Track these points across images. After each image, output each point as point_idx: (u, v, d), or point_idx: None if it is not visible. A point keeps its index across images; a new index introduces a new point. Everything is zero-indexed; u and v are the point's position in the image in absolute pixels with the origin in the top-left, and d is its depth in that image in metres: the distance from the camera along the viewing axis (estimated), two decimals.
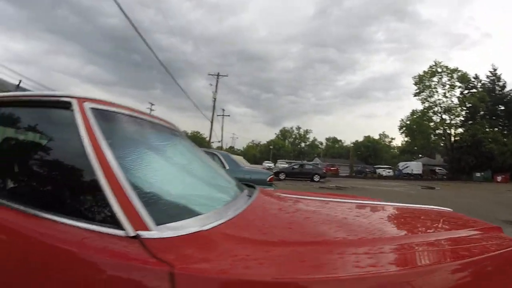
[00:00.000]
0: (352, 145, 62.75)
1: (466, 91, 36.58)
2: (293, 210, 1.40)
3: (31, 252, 0.78)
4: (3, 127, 1.24)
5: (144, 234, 0.74)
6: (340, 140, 79.31)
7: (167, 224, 0.82)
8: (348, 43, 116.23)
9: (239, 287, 0.66)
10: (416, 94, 38.66)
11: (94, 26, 77.77)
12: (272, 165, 37.52)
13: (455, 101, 37.02)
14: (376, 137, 65.48)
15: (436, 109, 37.70)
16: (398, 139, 62.66)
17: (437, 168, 38.01)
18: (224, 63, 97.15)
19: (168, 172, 1.28)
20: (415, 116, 39.47)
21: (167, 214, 0.90)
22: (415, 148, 45.12)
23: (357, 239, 0.97)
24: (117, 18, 69.81)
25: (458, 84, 36.79)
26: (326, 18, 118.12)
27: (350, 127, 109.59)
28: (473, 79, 36.81)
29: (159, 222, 0.80)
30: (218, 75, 29.55)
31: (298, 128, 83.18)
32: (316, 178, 21.65)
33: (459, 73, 36.49)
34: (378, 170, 38.19)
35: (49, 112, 1.13)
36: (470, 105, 34.84)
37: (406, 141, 45.29)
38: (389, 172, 36.76)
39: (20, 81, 17.82)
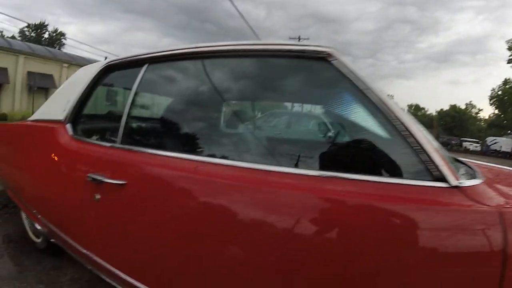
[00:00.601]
0: (436, 113, 58.00)
1: None
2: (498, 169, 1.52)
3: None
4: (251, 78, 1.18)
5: (462, 183, 0.78)
6: (423, 108, 73.57)
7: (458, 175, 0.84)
8: (430, 0, 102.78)
9: None
10: (510, 61, 34.38)
11: (168, 1, 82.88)
12: None
13: None
14: (462, 106, 58.45)
15: None
16: (486, 111, 56.02)
17: None
18: (298, 27, 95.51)
19: None
20: (507, 86, 35.56)
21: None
22: (505, 122, 40.77)
23: None
24: None
25: None
26: None
27: (433, 93, 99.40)
28: None
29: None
30: (299, 38, 27.10)
31: None
32: None
33: None
34: (464, 144, 34.49)
35: (304, 64, 1.04)
36: None
37: (495, 114, 41.16)
38: (476, 147, 33.15)
39: (106, 58, 22.45)
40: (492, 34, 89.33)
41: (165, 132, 1.34)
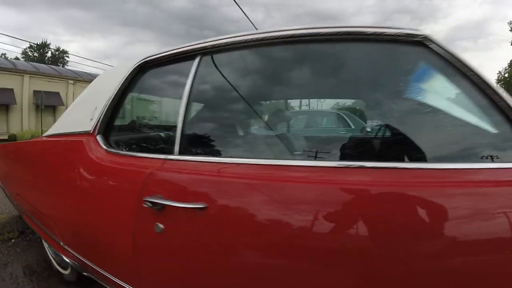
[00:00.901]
0: None
1: None
2: None
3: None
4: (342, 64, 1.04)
5: None
6: None
7: None
8: None
9: None
10: None
11: (164, 11, 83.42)
12: None
13: None
14: None
15: None
16: None
17: None
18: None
19: None
20: None
21: None
22: None
23: None
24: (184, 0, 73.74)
25: None
26: None
27: None
28: None
29: None
30: None
31: None
32: None
33: None
34: None
35: (393, 49, 0.91)
36: None
37: None
38: None
39: None
40: (492, 17, 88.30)
41: (249, 133, 1.10)
